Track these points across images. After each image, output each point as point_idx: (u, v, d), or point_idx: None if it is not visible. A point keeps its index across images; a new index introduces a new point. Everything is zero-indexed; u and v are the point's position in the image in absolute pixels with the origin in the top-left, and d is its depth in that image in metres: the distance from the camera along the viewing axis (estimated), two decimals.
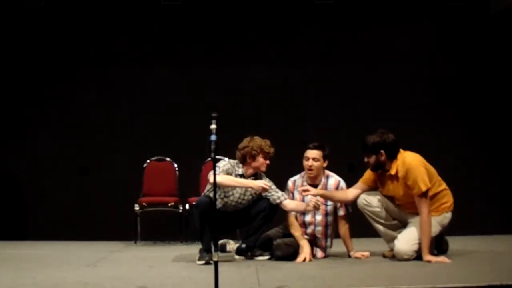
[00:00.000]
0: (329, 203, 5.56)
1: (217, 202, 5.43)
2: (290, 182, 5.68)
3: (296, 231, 5.49)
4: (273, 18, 8.23)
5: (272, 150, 5.55)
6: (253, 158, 5.51)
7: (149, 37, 8.17)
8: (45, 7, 8.10)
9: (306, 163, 5.53)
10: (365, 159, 5.36)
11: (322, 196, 5.45)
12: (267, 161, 5.55)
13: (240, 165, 5.57)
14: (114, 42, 8.15)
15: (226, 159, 5.79)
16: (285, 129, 7.95)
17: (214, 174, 4.23)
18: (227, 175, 5.42)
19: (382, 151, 5.25)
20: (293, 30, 8.22)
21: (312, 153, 5.51)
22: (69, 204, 7.89)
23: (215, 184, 4.16)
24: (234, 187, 5.46)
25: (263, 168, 5.57)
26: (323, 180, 5.58)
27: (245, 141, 5.56)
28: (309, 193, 5.36)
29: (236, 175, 5.51)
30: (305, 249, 5.38)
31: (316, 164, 5.49)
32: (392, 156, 5.27)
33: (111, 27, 8.14)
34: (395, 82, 8.19)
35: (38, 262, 5.51)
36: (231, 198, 5.51)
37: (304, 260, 5.31)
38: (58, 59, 8.09)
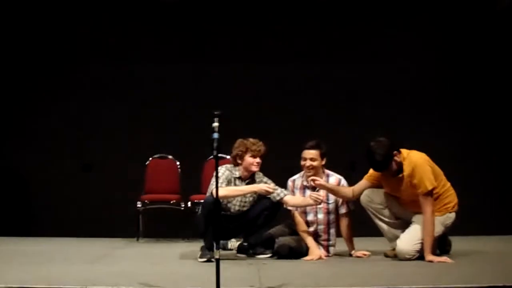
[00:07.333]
0: (331, 201, 5.52)
1: (222, 205, 5.42)
2: (290, 182, 5.64)
3: (303, 228, 5.46)
4: (273, 16, 8.22)
5: (260, 148, 5.44)
6: (241, 158, 5.46)
7: (149, 35, 8.16)
8: (45, 6, 8.09)
9: (303, 164, 5.47)
10: (386, 173, 5.25)
11: (327, 189, 5.42)
12: (257, 160, 5.44)
13: (237, 168, 5.55)
14: (114, 40, 8.14)
15: (227, 157, 5.77)
16: (286, 127, 7.94)
17: (217, 174, 4.22)
18: (228, 186, 5.37)
19: (394, 152, 5.18)
20: (293, 28, 8.19)
21: (309, 153, 5.45)
22: (71, 201, 7.90)
23: (217, 184, 4.16)
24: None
25: (254, 168, 5.46)
26: (324, 179, 5.51)
27: (235, 144, 5.53)
28: (318, 183, 5.31)
29: (234, 179, 5.50)
30: (315, 252, 5.35)
31: (314, 163, 5.43)
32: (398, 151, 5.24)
33: (110, 25, 8.13)
34: (397, 79, 8.15)
35: (40, 258, 5.52)
36: (233, 202, 5.49)
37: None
38: (59, 57, 8.09)
